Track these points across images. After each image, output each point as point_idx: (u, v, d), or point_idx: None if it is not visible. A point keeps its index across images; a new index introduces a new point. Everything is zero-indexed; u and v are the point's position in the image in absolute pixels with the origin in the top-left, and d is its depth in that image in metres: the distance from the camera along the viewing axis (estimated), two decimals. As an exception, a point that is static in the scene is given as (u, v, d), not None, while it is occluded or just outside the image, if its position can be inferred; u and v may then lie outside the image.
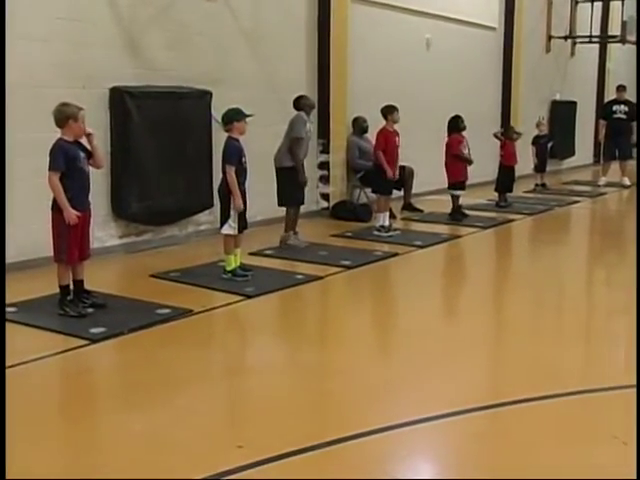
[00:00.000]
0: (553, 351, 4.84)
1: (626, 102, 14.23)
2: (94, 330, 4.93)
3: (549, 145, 13.80)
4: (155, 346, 4.87)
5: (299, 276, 6.64)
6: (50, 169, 5.11)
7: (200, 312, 5.50)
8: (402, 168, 9.51)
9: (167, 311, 5.41)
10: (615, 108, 14.19)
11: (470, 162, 9.80)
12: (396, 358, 4.86)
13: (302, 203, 8.03)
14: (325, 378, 4.42)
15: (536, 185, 13.45)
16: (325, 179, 10.01)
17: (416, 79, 11.60)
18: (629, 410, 3.88)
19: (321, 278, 6.62)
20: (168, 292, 6.01)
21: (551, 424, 3.73)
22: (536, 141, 13.44)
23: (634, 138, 14.58)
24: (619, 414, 3.89)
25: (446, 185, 9.99)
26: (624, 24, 16.24)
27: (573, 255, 8.62)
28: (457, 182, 9.79)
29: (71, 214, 5.10)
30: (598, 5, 17.09)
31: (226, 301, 5.83)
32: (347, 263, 7.12)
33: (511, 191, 11.28)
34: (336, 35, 9.79)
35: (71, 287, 5.36)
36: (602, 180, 14.16)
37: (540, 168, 13.54)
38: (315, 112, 9.62)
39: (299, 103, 7.90)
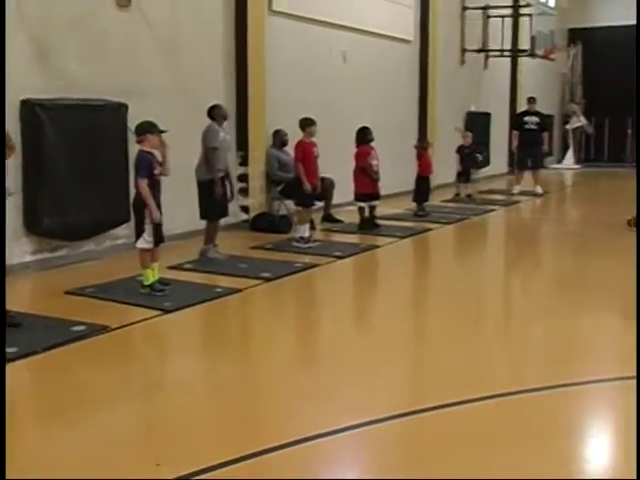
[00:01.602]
0: (471, 356, 4.96)
1: (537, 113, 14.70)
2: (7, 350, 4.78)
3: (478, 156, 14.08)
4: (71, 364, 4.77)
5: (218, 289, 6.61)
6: None
7: (117, 328, 5.41)
8: (322, 179, 9.59)
9: (82, 328, 5.30)
10: (526, 119, 14.63)
11: (376, 178, 9.91)
12: (317, 368, 4.89)
13: (225, 215, 8.02)
14: (246, 391, 4.40)
15: (456, 195, 13.67)
16: (244, 191, 10.00)
17: (334, 91, 11.74)
18: (546, 411, 4.04)
19: (240, 291, 6.61)
20: (84, 309, 5.89)
21: (471, 428, 3.81)
22: (460, 151, 13.60)
23: (545, 148, 15.12)
24: (537, 415, 4.01)
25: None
26: (533, 39, 16.93)
27: (489, 262, 8.86)
28: (362, 193, 9.92)
29: None
30: (508, 20, 17.70)
31: (144, 316, 5.75)
32: (267, 275, 7.13)
33: (427, 201, 11.51)
34: (253, 47, 9.82)
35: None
36: (516, 189, 14.61)
37: (465, 178, 13.78)
38: (233, 124, 9.65)
39: (212, 112, 7.89)
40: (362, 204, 10.01)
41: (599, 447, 3.81)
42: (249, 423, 3.93)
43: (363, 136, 9.93)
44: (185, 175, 7.75)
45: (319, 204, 10.03)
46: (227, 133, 8.15)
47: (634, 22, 21.76)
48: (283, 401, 4.19)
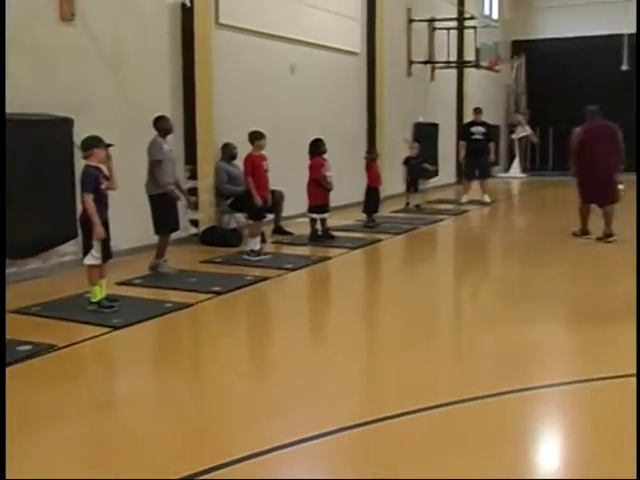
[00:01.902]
0: (424, 366, 5.03)
1: (483, 123, 14.93)
2: (-52, 372, 4.67)
3: (428, 166, 14.20)
4: (16, 385, 4.66)
5: (168, 304, 6.55)
6: None
7: (64, 347, 5.32)
8: (272, 192, 9.59)
9: (28, 348, 5.20)
10: (473, 129, 14.84)
11: (329, 189, 9.98)
12: (271, 382, 4.88)
13: (176, 229, 7.98)
14: (198, 407, 4.37)
15: (407, 204, 13.86)
16: (194, 205, 9.94)
17: (283, 104, 11.79)
18: (496, 418, 4.11)
19: (191, 305, 6.57)
20: (30, 328, 5.78)
21: (423, 436, 3.86)
22: (408, 162, 13.74)
23: (492, 158, 15.34)
24: (488, 422, 4.07)
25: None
26: (477, 51, 17.24)
27: (440, 272, 8.96)
28: (316, 205, 9.97)
29: None
30: (454, 33, 18.01)
31: (92, 334, 5.66)
32: (217, 289, 7.10)
33: (377, 212, 11.59)
34: (200, 60, 9.80)
35: None
36: (464, 198, 14.82)
37: (413, 189, 13.94)
38: (181, 137, 9.61)
39: (157, 124, 7.85)
40: (315, 216, 10.05)
41: (549, 451, 3.88)
42: (201, 439, 3.89)
43: (316, 148, 9.99)
44: (133, 189, 7.69)
45: (269, 217, 10.02)
46: (172, 145, 8.10)
47: (576, 34, 22.44)
48: (235, 416, 4.17)
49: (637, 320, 5.62)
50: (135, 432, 3.95)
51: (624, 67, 21.69)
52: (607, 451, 3.69)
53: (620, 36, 21.60)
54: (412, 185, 13.88)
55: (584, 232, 10.35)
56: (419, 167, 13.85)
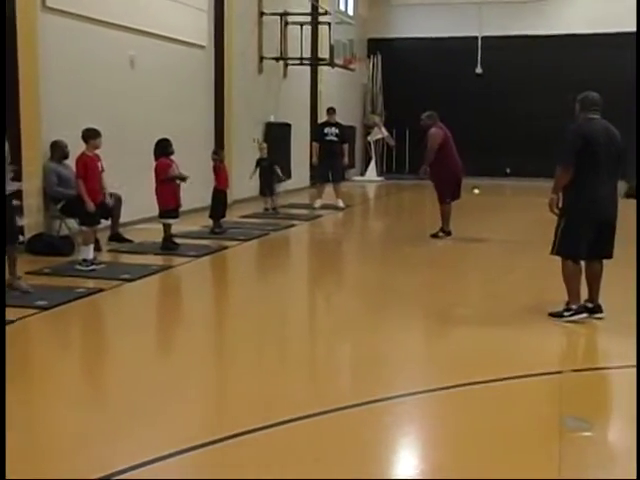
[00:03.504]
0: (275, 379, 5.08)
1: (337, 124, 15.16)
2: None
3: (276, 168, 14.14)
4: None
5: (-15, 322, 6.21)
6: None
7: None
8: (110, 195, 9.35)
9: None
10: (327, 130, 15.03)
11: (184, 178, 9.82)
12: (112, 404, 4.71)
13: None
14: (27, 435, 4.16)
15: (266, 209, 13.91)
16: (19, 210, 9.49)
17: (121, 99, 11.48)
18: (354, 428, 4.21)
19: (13, 322, 6.24)
20: None
21: (273, 452, 3.90)
22: (259, 163, 13.76)
23: (346, 160, 15.54)
24: (345, 433, 4.18)
25: (157, 212, 9.97)
26: (332, 48, 17.54)
27: (291, 280, 9.02)
28: (167, 209, 9.79)
29: None
30: (308, 28, 18.25)
31: None
32: (43, 304, 6.80)
33: (224, 216, 11.53)
34: (24, 46, 9.35)
35: None
36: (317, 203, 15.01)
37: (268, 192, 13.95)
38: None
39: None
40: (170, 221, 9.82)
41: (404, 461, 4.02)
42: (35, 464, 3.74)
43: (163, 148, 9.72)
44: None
45: (105, 223, 9.74)
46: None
47: (432, 35, 23.39)
48: (69, 442, 4.03)
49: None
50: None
51: (478, 70, 22.84)
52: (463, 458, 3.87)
53: (475, 39, 22.74)
54: (267, 188, 13.92)
55: (449, 233, 11.05)
56: (271, 169, 13.88)
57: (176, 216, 9.91)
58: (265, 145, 14.14)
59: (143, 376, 5.21)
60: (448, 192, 11.08)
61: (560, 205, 6.41)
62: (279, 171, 14.11)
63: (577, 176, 6.25)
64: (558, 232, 6.46)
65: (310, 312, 7.80)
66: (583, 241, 6.36)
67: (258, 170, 13.82)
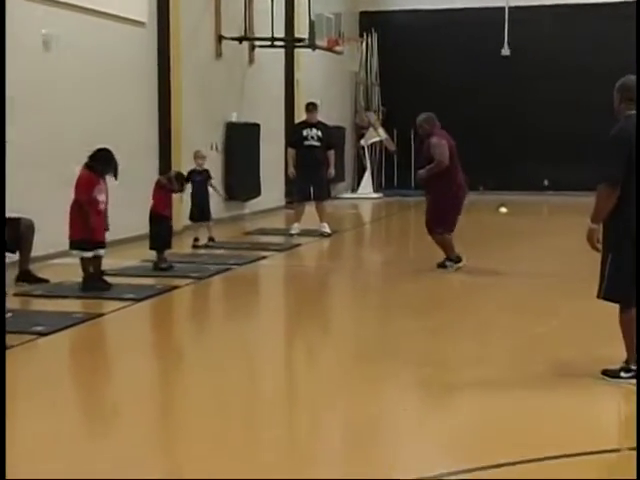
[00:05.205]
0: (246, 467, 5.03)
1: (319, 125, 15.02)
2: None
3: (213, 185, 13.67)
4: None
5: None
6: None
7: None
8: (16, 221, 9.40)
9: None
10: (306, 133, 14.88)
11: (105, 226, 9.83)
12: None
13: None
14: None
15: (195, 240, 13.34)
16: None
17: (31, 91, 11.42)
18: None
19: None
20: None
21: None
22: (190, 177, 12.81)
23: (332, 172, 15.37)
24: None
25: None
26: (312, 24, 17.53)
27: (262, 332, 8.93)
28: (83, 239, 9.67)
29: None
30: (280, 0, 18.27)
31: None
32: None
33: (170, 247, 11.43)
34: None
35: None
36: (294, 228, 14.95)
37: (202, 216, 13.45)
38: None
39: None
40: (86, 254, 9.71)
41: None
42: None
43: (101, 161, 9.64)
44: None
45: (12, 257, 9.71)
46: None
47: (446, 5, 23.23)
48: None
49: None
50: None
51: (505, 52, 22.95)
52: None
53: (500, 10, 22.83)
54: (199, 212, 13.38)
55: (458, 258, 11.18)
56: (206, 185, 13.40)
57: (96, 247, 9.74)
58: (205, 155, 13.76)
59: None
60: (443, 221, 11.00)
61: (602, 236, 6.23)
62: (217, 189, 13.89)
63: (624, 196, 6.07)
64: (605, 270, 6.30)
65: (288, 370, 7.78)
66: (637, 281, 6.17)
67: (190, 187, 13.07)
